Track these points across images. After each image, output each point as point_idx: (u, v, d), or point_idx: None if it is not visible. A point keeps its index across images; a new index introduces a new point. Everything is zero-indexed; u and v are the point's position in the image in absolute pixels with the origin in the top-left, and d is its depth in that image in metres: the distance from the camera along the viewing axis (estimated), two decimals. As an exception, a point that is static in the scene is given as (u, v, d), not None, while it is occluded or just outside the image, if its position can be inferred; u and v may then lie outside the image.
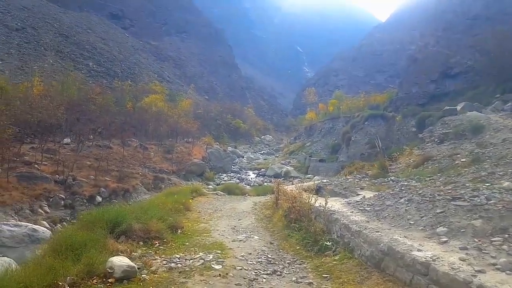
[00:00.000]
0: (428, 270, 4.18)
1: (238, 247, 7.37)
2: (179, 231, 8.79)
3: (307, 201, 7.53)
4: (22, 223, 13.62)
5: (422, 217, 5.86)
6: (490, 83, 31.89)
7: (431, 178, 8.87)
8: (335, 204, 7.23)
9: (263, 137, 70.25)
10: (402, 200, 6.55)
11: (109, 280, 5.06)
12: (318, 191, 9.95)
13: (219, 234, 8.58)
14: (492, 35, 36.35)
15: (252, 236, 8.33)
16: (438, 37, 45.32)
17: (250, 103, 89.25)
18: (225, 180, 30.77)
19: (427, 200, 6.09)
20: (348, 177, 11.15)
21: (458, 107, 19.95)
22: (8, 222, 13.46)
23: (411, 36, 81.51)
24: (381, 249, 5.04)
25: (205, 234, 8.58)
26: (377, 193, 8.00)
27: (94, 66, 55.86)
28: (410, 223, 5.82)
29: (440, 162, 10.35)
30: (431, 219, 5.69)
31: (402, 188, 7.63)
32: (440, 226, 5.37)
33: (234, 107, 70.87)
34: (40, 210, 16.62)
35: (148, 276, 5.32)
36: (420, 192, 6.67)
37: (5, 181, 16.07)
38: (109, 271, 5.17)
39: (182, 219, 9.96)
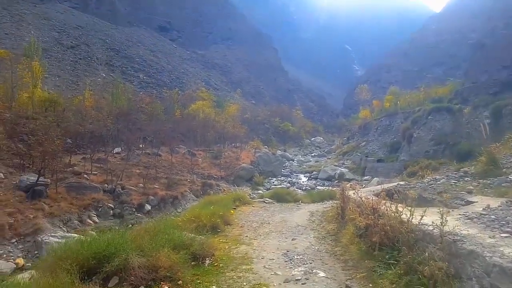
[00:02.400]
0: None
1: (294, 298, 4.90)
2: (207, 262, 6.41)
3: (398, 216, 4.88)
4: (70, 234, 13.06)
5: None
6: None
7: None
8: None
9: (313, 139, 67.72)
10: None
11: None
12: (391, 196, 7.75)
13: (264, 267, 6.12)
14: None
15: (314, 270, 5.74)
16: (508, 18, 40.71)
17: (298, 105, 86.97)
18: (275, 185, 29.26)
19: None
20: (437, 176, 8.68)
21: None
22: (55, 234, 12.95)
23: (472, 23, 75.30)
24: None
25: (244, 267, 6.15)
26: (507, 200, 5.40)
27: (144, 77, 57.36)
28: None
29: None
30: None
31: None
32: None
33: (282, 110, 69.15)
34: (88, 220, 16.13)
35: None
36: None
37: (54, 192, 15.72)
38: None
39: (214, 242, 7.58)
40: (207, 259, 6.47)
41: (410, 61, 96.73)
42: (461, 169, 8.79)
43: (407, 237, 4.52)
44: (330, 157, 47.68)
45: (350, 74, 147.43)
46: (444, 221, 3.94)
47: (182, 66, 72.68)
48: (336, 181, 31.34)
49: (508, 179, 6.53)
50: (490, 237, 3.87)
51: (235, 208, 11.73)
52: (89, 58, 52.08)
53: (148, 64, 61.79)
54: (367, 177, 31.26)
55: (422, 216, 4.42)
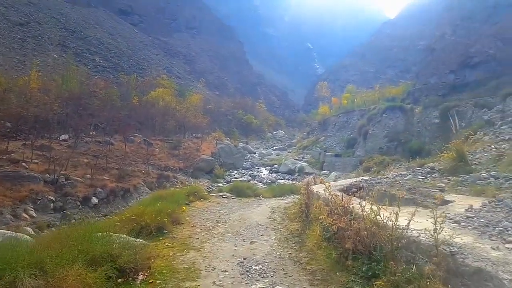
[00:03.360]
0: None
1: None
2: (139, 278, 4.83)
3: (377, 219, 3.97)
4: (0, 230, 11.46)
5: None
6: (516, 72, 29.79)
7: None
8: (425, 222, 3.60)
9: (275, 132, 67.86)
10: None
11: None
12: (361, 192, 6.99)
13: (214, 283, 4.82)
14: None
15: (276, 287, 4.61)
16: (456, 26, 43.03)
17: (261, 99, 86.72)
18: (236, 177, 28.69)
19: None
20: (403, 172, 8.16)
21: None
22: (-19, 230, 11.33)
23: (421, 31, 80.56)
24: None
25: (188, 284, 4.75)
26: (487, 199, 4.76)
27: (101, 61, 54.00)
28: None
29: None
30: None
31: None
32: None
33: (245, 102, 68.50)
34: (24, 215, 14.52)
35: None
36: None
37: (-16, 182, 13.87)
38: None
39: (155, 247, 6.15)
40: (140, 273, 4.89)
41: (366, 62, 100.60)
42: (425, 165, 8.35)
43: (391, 247, 3.60)
44: (290, 151, 48.00)
45: (312, 72, 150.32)
46: (439, 227, 3.14)
47: (143, 52, 69.51)
48: (296, 175, 31.50)
49: (482, 176, 6.14)
50: (493, 249, 3.06)
51: (188, 204, 10.33)
52: (39, 37, 47.99)
53: (105, 48, 58.28)
54: (325, 171, 31.73)
55: (410, 220, 3.57)
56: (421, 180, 6.74)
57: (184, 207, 9.25)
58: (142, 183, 20.82)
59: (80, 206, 16.71)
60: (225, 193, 13.10)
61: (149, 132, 31.53)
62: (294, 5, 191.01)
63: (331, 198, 4.93)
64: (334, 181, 24.74)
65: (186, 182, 22.94)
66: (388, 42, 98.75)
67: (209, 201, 11.17)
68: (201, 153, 29.09)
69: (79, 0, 75.00)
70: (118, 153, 23.75)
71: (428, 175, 7.11)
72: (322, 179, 5.40)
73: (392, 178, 7.33)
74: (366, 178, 8.41)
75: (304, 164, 34.54)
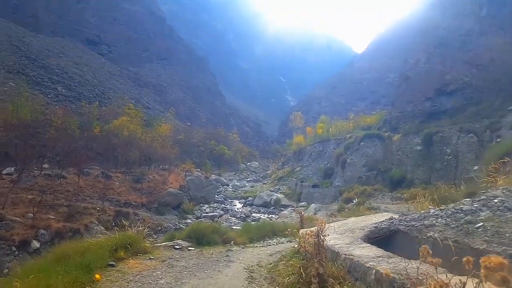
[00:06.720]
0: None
1: None
2: None
3: None
4: None
5: None
6: (495, 98, 29.84)
7: None
8: None
9: (249, 163, 65.91)
10: None
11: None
12: (391, 237, 4.50)
13: None
14: (488, 50, 34.61)
15: None
16: (430, 53, 43.53)
17: (234, 130, 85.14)
18: (207, 212, 26.40)
19: None
20: (464, 206, 5.13)
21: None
22: None
23: (389, 64, 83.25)
24: None
25: None
26: None
27: (63, 90, 50.83)
28: None
29: None
30: None
31: None
32: None
33: (218, 133, 66.60)
34: None
35: None
36: None
37: None
38: None
39: None
40: None
41: (337, 94, 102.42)
42: (477, 194, 5.71)
43: None
44: (265, 182, 46.07)
45: (284, 104, 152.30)
46: None
47: (110, 82, 66.88)
48: (272, 207, 29.64)
49: None
50: None
51: (113, 266, 6.29)
52: (-5, 65, 44.90)
53: (69, 77, 55.30)
54: (303, 203, 30.12)
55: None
56: (493, 219, 4.23)
57: (97, 275, 5.38)
58: (96, 222, 18.10)
59: (17, 252, 13.96)
60: (178, 241, 8.79)
61: (110, 164, 28.73)
62: (265, 39, 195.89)
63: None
64: (315, 214, 22.96)
65: (151, 219, 20.30)
66: (358, 75, 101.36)
67: (151, 257, 7.17)
68: (167, 186, 26.51)
69: (44, 29, 72.37)
70: (71, 187, 20.88)
71: (504, 212, 4.48)
72: (320, 223, 2.67)
73: (449, 216, 4.87)
74: (396, 216, 5.91)
75: (280, 195, 32.74)
